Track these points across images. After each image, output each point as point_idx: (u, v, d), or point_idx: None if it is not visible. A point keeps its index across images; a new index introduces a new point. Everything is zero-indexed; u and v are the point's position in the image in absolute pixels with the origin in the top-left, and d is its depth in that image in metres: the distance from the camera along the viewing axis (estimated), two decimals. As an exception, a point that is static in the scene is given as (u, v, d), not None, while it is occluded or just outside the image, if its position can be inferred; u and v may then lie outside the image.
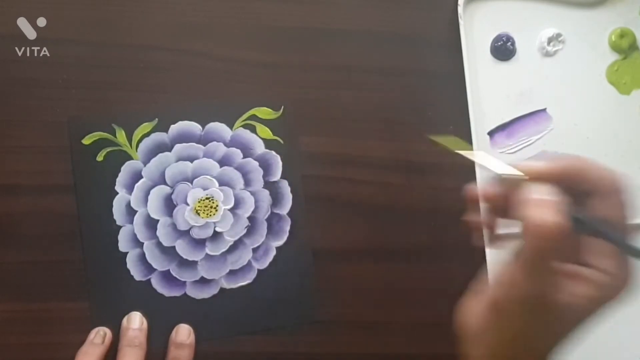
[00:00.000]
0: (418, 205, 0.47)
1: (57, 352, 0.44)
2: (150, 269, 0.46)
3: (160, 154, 0.47)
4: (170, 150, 0.47)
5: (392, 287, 0.48)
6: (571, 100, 0.51)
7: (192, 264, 0.46)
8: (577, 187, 0.31)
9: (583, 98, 0.51)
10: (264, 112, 0.48)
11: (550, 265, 0.29)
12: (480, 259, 0.48)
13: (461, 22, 0.49)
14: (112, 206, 0.46)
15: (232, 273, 0.47)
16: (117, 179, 0.46)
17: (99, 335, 0.44)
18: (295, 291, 0.47)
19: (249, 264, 0.47)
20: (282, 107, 0.48)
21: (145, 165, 0.46)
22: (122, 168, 0.46)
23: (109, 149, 0.46)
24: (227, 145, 0.47)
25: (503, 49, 0.50)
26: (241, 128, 0.47)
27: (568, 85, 0.51)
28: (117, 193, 0.46)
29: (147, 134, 0.47)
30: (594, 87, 0.51)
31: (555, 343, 0.31)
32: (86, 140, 0.46)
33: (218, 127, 0.47)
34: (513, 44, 0.50)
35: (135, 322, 0.45)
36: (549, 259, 0.29)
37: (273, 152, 0.48)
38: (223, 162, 0.47)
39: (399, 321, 0.48)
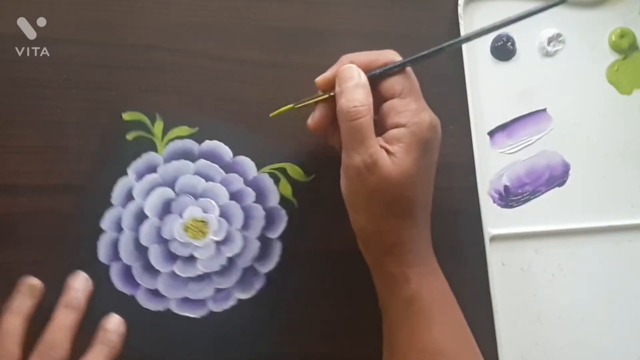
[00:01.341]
0: (418, 205, 0.47)
1: (57, 352, 0.44)
2: (116, 256, 0.45)
3: (183, 160, 0.47)
4: (193, 162, 0.47)
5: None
6: (571, 100, 0.51)
7: (154, 272, 0.46)
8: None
9: (583, 98, 0.51)
10: (295, 171, 0.47)
11: (362, 136, 0.38)
12: (480, 259, 0.48)
13: (461, 22, 0.49)
14: (115, 184, 0.46)
15: (185, 300, 0.46)
16: (134, 163, 0.46)
17: (26, 285, 0.43)
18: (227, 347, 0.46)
19: (204, 300, 0.46)
20: (314, 174, 0.47)
21: (164, 164, 0.47)
22: (143, 155, 0.46)
23: (141, 133, 0.46)
24: (246, 183, 0.47)
25: (503, 49, 0.50)
26: (266, 174, 0.47)
27: (568, 85, 0.51)
28: (126, 175, 0.46)
29: (181, 137, 0.47)
30: (594, 87, 0.51)
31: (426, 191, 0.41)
32: (126, 116, 0.46)
33: (246, 163, 0.47)
34: (513, 44, 0.50)
35: (79, 282, 0.44)
36: (360, 131, 0.38)
37: (283, 211, 0.47)
38: (234, 196, 0.47)
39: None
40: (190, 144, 0.47)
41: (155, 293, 0.46)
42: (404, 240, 0.40)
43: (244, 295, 0.46)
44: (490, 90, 0.50)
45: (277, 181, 0.47)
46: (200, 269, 0.46)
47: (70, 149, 0.46)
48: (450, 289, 0.42)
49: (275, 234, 0.47)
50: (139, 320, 0.45)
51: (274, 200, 0.47)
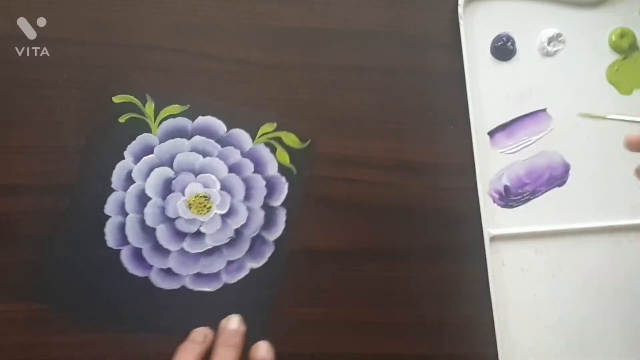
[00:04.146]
0: (418, 205, 0.47)
1: (57, 352, 0.44)
2: (124, 240, 0.46)
3: (178, 138, 0.47)
4: (188, 139, 0.47)
5: (392, 287, 0.48)
6: (571, 100, 0.51)
7: (164, 252, 0.46)
8: None
9: (583, 98, 0.51)
10: (291, 139, 0.48)
11: None
12: (480, 259, 0.48)
13: (461, 22, 0.49)
14: (114, 168, 0.46)
15: (198, 276, 0.46)
16: (129, 146, 0.46)
17: (201, 334, 0.44)
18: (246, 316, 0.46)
19: (217, 273, 0.46)
20: (310, 141, 0.48)
21: (159, 143, 0.47)
22: (138, 137, 0.47)
23: (133, 115, 0.46)
24: (243, 155, 0.47)
25: (503, 49, 0.50)
26: (262, 144, 0.47)
27: (568, 85, 0.51)
28: (124, 158, 0.46)
29: (174, 116, 0.47)
30: (594, 87, 0.51)
31: None
32: (116, 99, 0.47)
33: (241, 135, 0.47)
34: (513, 44, 0.50)
35: (234, 323, 0.45)
36: None
37: (283, 179, 0.47)
38: (233, 169, 0.47)
39: (398, 321, 0.48)
40: (184, 121, 0.47)
41: (168, 272, 0.46)
42: None
43: (256, 264, 0.47)
44: (490, 90, 0.50)
45: (273, 150, 0.48)
46: (209, 243, 0.47)
47: (70, 149, 0.46)
48: None
49: (277, 201, 0.47)
50: (154, 301, 0.46)
51: (272, 169, 0.48)
